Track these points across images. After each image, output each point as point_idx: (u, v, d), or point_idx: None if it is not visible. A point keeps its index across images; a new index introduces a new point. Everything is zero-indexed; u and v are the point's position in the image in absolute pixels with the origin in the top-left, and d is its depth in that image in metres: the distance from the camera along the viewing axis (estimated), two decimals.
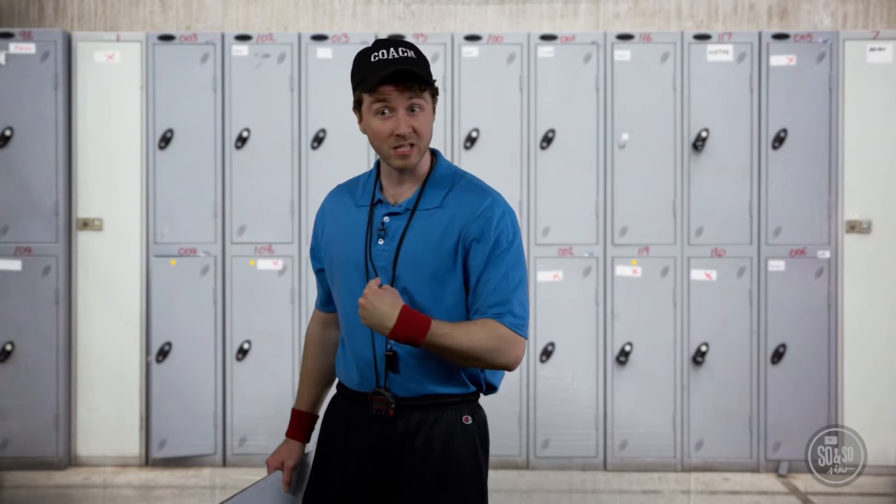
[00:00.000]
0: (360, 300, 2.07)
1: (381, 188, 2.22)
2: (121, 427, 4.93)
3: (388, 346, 2.14)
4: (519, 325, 2.12)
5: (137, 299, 4.92)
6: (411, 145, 2.13)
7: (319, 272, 2.35)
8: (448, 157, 4.85)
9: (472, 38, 4.90)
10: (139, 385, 4.93)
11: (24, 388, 4.85)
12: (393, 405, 2.14)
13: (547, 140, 4.89)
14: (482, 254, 2.12)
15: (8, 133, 4.84)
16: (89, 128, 4.92)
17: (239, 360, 4.90)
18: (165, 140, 4.88)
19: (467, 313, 2.16)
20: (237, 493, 2.21)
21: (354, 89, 2.17)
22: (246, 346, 4.90)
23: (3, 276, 4.85)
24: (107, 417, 4.93)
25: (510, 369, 2.13)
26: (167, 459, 4.91)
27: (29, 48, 4.85)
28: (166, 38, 4.91)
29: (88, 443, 4.93)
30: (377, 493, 2.18)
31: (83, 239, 4.93)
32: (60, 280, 4.86)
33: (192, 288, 4.89)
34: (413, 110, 2.12)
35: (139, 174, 4.92)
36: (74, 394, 4.93)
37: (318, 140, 4.88)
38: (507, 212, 2.17)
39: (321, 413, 2.39)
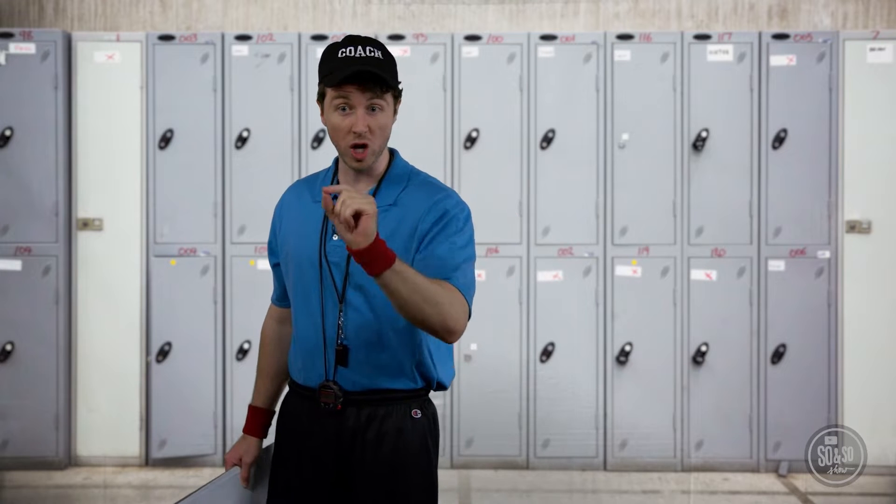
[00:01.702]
0: (343, 198, 1.89)
1: (338, 183, 2.24)
2: (121, 427, 4.93)
3: (339, 342, 2.16)
4: (466, 293, 2.09)
5: (137, 299, 4.92)
6: (365, 146, 2.14)
7: (275, 266, 2.37)
8: (448, 158, 4.86)
9: (472, 38, 4.90)
10: (139, 385, 4.93)
11: (24, 388, 4.85)
12: (341, 399, 2.17)
13: (547, 140, 4.89)
14: (431, 235, 2.13)
15: (8, 133, 4.84)
16: (89, 128, 4.92)
17: (239, 360, 4.90)
18: (165, 140, 4.88)
19: None
20: (195, 491, 2.21)
21: (319, 82, 2.19)
22: (246, 346, 4.90)
23: (3, 276, 4.85)
24: (107, 417, 4.93)
25: (451, 335, 2.05)
26: (167, 459, 4.91)
27: (29, 48, 4.85)
28: (166, 38, 4.91)
29: (88, 443, 4.93)
30: (333, 487, 2.21)
31: (83, 239, 4.93)
32: (60, 280, 4.86)
33: (192, 288, 4.89)
34: (373, 110, 2.14)
35: (139, 174, 4.92)
36: (74, 394, 4.93)
37: (318, 140, 4.88)
38: (460, 204, 2.19)
39: (277, 409, 2.41)
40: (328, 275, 2.16)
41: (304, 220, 2.24)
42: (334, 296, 2.16)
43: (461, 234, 2.15)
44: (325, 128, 2.25)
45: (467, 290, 2.10)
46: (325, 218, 2.19)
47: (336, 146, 2.18)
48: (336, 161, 2.29)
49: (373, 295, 2.13)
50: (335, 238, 2.17)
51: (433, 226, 2.13)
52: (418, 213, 2.15)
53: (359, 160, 2.15)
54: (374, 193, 2.18)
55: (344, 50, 2.14)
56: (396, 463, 2.17)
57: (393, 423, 2.18)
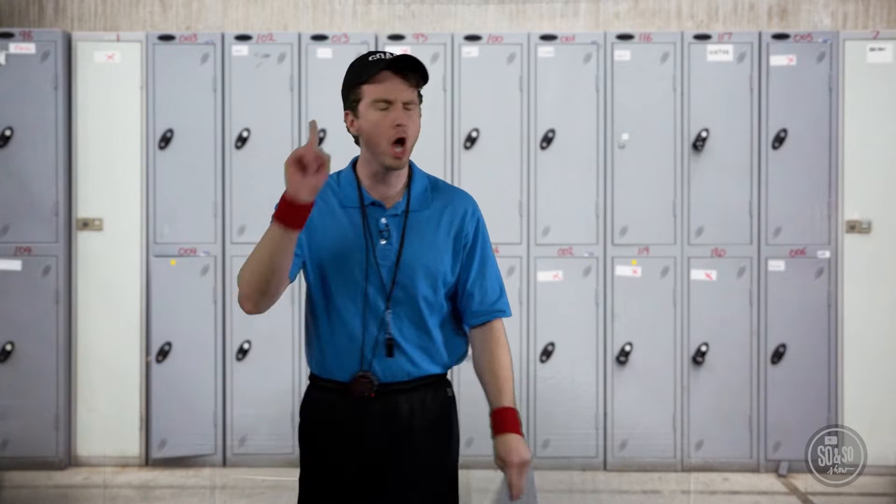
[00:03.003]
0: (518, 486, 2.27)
1: (365, 189, 2.32)
2: (121, 427, 4.93)
3: (387, 334, 2.26)
4: (508, 310, 2.45)
5: (137, 299, 4.92)
6: (404, 141, 2.24)
7: (296, 256, 2.32)
8: (448, 158, 4.87)
9: (472, 38, 4.90)
10: (139, 385, 4.93)
11: (24, 388, 4.85)
12: (376, 387, 2.26)
13: (547, 140, 4.89)
14: (476, 253, 2.35)
15: (8, 133, 4.84)
16: (89, 128, 4.92)
17: (239, 360, 4.90)
18: (165, 140, 4.88)
19: (459, 296, 2.36)
20: None
21: (354, 87, 2.27)
22: (246, 346, 4.90)
23: (3, 276, 4.85)
24: (107, 417, 4.93)
25: None
26: (167, 459, 4.91)
27: (29, 48, 4.85)
28: (166, 38, 4.91)
29: (88, 443, 4.93)
30: (377, 473, 2.26)
31: (83, 239, 4.93)
32: (60, 280, 4.86)
33: (192, 288, 4.89)
34: (409, 109, 2.26)
35: (139, 174, 4.92)
36: (74, 394, 4.93)
37: (319, 140, 4.87)
38: (479, 209, 2.44)
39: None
40: (377, 275, 2.25)
41: (340, 225, 2.29)
42: (383, 293, 2.26)
43: (488, 246, 2.39)
44: (355, 134, 2.28)
45: (508, 308, 2.44)
46: (366, 223, 2.27)
47: (374, 147, 2.25)
48: (353, 166, 2.35)
49: (420, 293, 2.27)
50: (383, 243, 2.26)
51: (474, 237, 2.35)
52: (456, 217, 2.33)
53: (398, 158, 2.23)
54: (409, 197, 2.30)
55: (374, 55, 2.26)
56: (441, 439, 2.33)
57: (437, 404, 2.33)
